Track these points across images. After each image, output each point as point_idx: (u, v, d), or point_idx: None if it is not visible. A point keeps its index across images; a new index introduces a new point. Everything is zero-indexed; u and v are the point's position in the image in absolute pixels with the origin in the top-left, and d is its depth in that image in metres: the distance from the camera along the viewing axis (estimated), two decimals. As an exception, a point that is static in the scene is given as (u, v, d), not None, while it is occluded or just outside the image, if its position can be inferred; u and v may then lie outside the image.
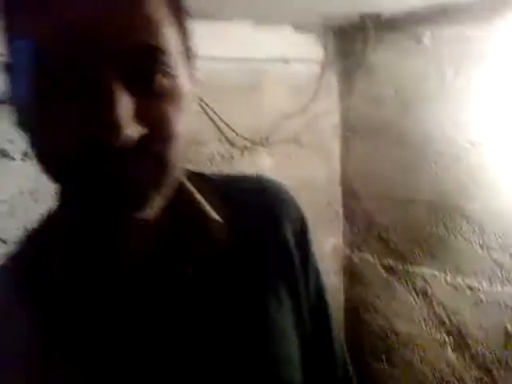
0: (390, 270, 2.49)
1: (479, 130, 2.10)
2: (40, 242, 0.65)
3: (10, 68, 0.55)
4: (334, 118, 2.72)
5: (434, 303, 2.33)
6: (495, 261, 2.10)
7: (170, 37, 0.54)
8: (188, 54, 0.60)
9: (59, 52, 0.48)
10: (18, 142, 1.87)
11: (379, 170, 2.48)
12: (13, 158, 1.88)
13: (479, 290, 2.17)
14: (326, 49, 2.60)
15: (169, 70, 0.54)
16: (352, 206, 2.63)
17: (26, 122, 0.55)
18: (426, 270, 2.35)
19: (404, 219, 2.40)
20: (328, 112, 2.67)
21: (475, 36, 2.04)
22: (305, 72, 2.52)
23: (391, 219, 2.46)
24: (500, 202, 2.06)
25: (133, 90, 0.50)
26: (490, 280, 2.13)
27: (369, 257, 2.55)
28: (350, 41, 2.50)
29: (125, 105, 0.49)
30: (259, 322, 0.67)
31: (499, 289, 2.10)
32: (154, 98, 0.53)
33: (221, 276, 0.65)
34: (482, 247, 2.13)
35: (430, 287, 2.34)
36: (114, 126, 0.47)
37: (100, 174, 0.51)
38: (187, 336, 0.62)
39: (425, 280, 2.36)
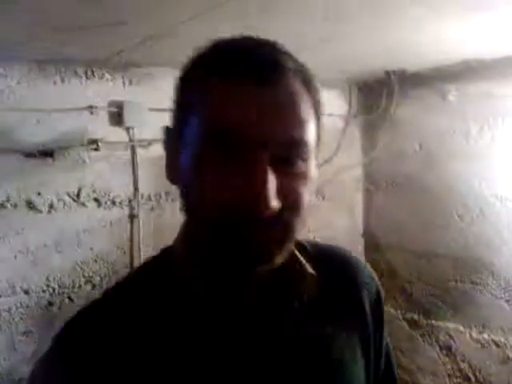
0: (413, 323, 2.47)
1: (505, 185, 2.13)
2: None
3: (172, 132, 0.71)
4: (357, 171, 2.77)
5: (459, 359, 2.31)
6: (522, 317, 2.09)
7: (312, 130, 0.66)
8: (318, 142, 0.70)
9: (230, 131, 0.61)
10: (45, 194, 1.94)
11: (402, 223, 2.50)
12: (40, 211, 1.95)
13: (506, 346, 2.14)
14: (350, 103, 2.68)
15: (306, 157, 0.65)
16: (374, 258, 2.63)
17: (181, 178, 0.69)
18: (450, 325, 2.34)
19: (428, 272, 2.40)
20: (351, 165, 2.72)
21: (500, 93, 2.09)
22: (329, 125, 2.58)
23: (414, 272, 2.46)
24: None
25: (278, 170, 0.61)
26: (517, 336, 2.11)
27: (392, 310, 2.54)
28: (374, 95, 2.57)
29: (273, 182, 0.60)
30: (333, 363, 0.76)
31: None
32: (293, 178, 0.64)
33: (310, 319, 0.75)
34: (508, 302, 2.12)
35: (455, 342, 2.32)
36: (265, 199, 0.59)
37: (238, 234, 0.62)
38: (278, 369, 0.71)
39: (449, 335, 2.34)
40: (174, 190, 2.32)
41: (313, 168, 0.68)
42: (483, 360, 2.21)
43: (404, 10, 1.45)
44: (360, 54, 2.04)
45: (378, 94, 2.54)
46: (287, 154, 0.63)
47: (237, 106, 0.61)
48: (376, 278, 0.89)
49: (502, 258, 2.15)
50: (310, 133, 0.65)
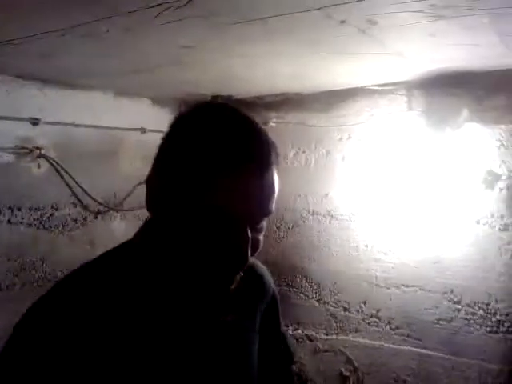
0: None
1: (316, 201, 2.49)
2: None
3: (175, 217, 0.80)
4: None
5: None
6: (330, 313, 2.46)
7: None
8: None
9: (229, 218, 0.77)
10: None
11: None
12: None
13: (316, 339, 2.50)
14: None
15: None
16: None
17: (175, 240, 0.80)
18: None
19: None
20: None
21: (311, 123, 2.46)
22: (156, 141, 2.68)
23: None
24: (333, 263, 2.45)
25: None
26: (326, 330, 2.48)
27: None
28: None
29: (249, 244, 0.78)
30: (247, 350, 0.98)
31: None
32: (258, 232, 0.82)
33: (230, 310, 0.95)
34: (319, 302, 2.48)
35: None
36: (246, 259, 0.78)
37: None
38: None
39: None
40: (4, 202, 2.21)
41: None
42: (298, 353, 2.52)
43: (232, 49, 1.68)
44: (195, 79, 2.22)
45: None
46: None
47: (248, 194, 0.77)
48: (272, 279, 1.13)
49: (313, 263, 2.50)
50: None
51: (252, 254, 0.80)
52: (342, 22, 1.36)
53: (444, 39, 1.57)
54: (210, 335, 0.89)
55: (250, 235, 0.78)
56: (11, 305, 1.88)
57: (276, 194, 0.82)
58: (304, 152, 2.54)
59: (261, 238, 0.83)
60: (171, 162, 0.81)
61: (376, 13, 1.30)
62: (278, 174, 0.83)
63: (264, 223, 0.83)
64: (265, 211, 0.80)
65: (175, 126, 0.85)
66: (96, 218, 2.46)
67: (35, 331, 0.74)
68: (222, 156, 0.76)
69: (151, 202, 0.84)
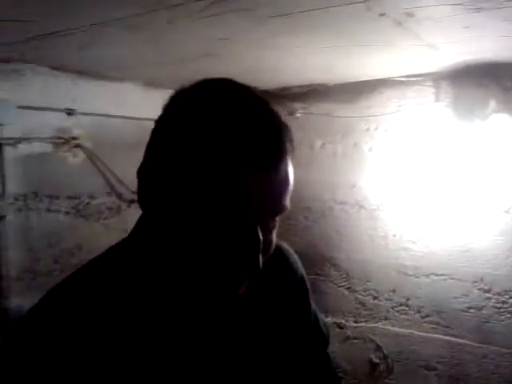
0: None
1: (343, 191, 2.52)
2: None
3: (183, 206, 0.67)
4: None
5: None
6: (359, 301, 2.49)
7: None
8: None
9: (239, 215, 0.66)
10: None
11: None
12: None
13: (346, 326, 2.54)
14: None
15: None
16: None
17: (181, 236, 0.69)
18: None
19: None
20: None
21: (338, 114, 2.48)
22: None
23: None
24: (362, 252, 2.48)
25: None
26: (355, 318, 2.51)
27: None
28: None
29: (261, 243, 0.68)
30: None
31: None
32: (270, 232, 0.73)
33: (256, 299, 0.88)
34: (348, 290, 2.51)
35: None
36: (258, 266, 0.68)
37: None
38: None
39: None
40: (43, 191, 2.27)
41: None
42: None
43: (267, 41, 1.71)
44: (225, 71, 2.25)
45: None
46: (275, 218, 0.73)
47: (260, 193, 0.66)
48: (299, 261, 1.04)
49: (341, 253, 2.54)
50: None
51: (264, 258, 0.69)
52: (382, 14, 1.38)
53: (478, 31, 1.58)
54: (221, 332, 0.81)
55: (261, 238, 0.67)
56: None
57: (291, 187, 0.70)
58: (331, 143, 2.56)
59: (273, 237, 0.74)
60: (168, 151, 0.69)
61: (416, 6, 1.32)
62: (292, 163, 0.71)
63: (277, 221, 0.73)
64: (278, 208, 0.69)
65: (172, 107, 0.73)
66: (129, 206, 2.52)
67: (35, 332, 0.68)
68: (228, 145, 0.64)
69: (144, 196, 0.73)
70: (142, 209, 0.76)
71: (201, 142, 0.65)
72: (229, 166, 0.64)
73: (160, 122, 0.72)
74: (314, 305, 1.06)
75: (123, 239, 0.82)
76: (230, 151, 0.64)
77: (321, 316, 1.09)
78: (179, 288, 0.73)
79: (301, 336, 0.98)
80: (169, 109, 0.72)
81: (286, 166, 0.69)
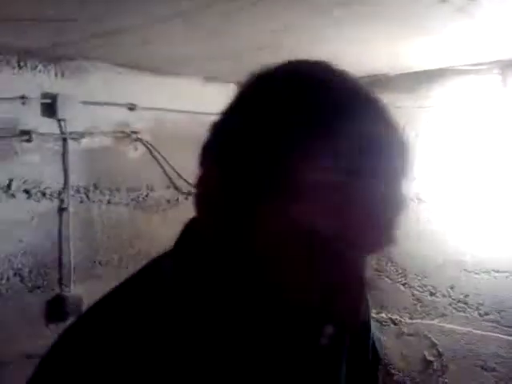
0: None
1: (420, 186, 2.46)
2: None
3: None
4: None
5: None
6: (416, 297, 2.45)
7: None
8: None
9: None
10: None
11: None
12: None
13: (401, 323, 2.50)
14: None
15: None
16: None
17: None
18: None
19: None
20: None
21: (401, 104, 2.43)
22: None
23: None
24: (419, 247, 2.43)
25: None
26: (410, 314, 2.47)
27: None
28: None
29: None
30: None
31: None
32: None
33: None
34: (404, 285, 2.47)
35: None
36: (358, 317, 0.55)
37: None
38: None
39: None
40: (104, 183, 2.35)
41: None
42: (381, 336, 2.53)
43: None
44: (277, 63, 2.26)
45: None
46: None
47: None
48: None
49: (398, 248, 2.49)
50: None
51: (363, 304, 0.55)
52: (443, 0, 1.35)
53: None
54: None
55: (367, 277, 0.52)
56: (108, 279, 2.05)
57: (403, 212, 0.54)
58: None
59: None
60: (247, 152, 0.52)
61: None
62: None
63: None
64: (389, 237, 0.52)
65: (248, 97, 0.57)
66: (187, 198, 2.57)
67: (75, 356, 0.52)
68: (330, 149, 0.49)
69: (210, 208, 0.55)
70: (202, 220, 0.58)
71: (294, 142, 0.50)
72: (336, 176, 0.49)
73: (235, 115, 0.57)
74: (372, 324, 0.88)
75: (166, 253, 0.63)
76: (339, 153, 0.49)
77: (376, 334, 0.98)
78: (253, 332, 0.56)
79: (358, 357, 0.82)
80: (246, 98, 0.57)
81: (400, 183, 0.53)
